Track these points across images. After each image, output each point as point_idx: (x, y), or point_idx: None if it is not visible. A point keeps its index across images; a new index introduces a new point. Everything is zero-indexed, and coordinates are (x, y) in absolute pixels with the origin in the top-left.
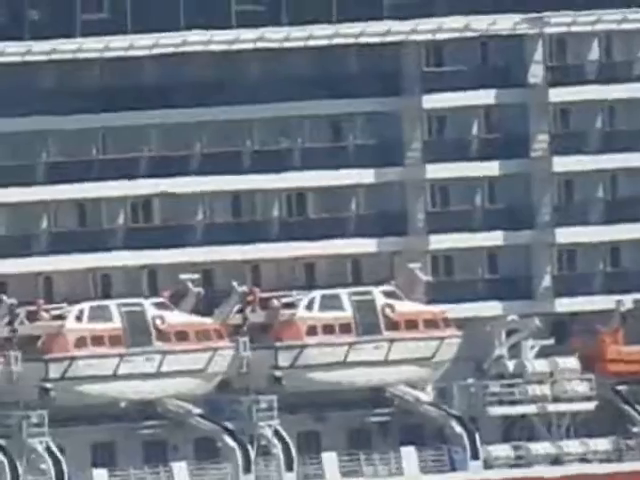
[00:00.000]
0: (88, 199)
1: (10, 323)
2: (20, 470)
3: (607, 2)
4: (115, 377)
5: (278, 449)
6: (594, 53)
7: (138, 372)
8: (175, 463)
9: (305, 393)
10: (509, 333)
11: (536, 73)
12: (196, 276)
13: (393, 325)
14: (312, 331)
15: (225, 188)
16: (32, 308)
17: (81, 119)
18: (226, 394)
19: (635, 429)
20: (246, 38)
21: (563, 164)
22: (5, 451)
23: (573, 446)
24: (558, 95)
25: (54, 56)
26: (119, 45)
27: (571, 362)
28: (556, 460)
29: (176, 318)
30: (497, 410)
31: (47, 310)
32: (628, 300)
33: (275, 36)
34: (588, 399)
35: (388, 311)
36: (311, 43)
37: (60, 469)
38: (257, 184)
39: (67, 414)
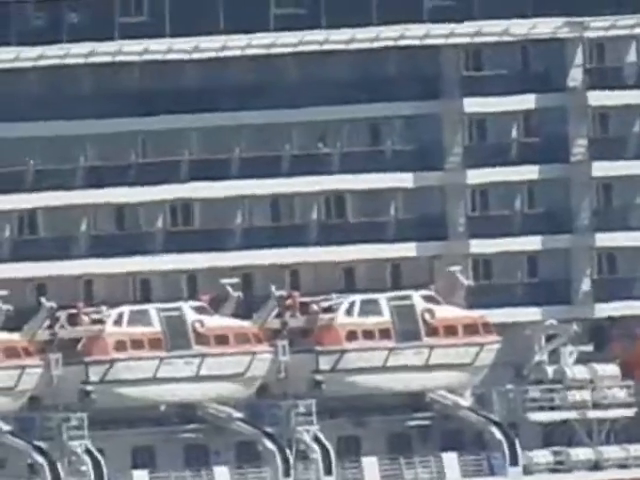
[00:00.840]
0: (127, 203)
1: (50, 326)
2: (61, 472)
3: None
4: (154, 380)
5: (317, 453)
6: (633, 56)
7: (177, 375)
8: (217, 467)
9: (345, 398)
10: (549, 338)
11: (575, 77)
12: (235, 280)
13: (433, 330)
14: (352, 336)
15: (264, 192)
16: (72, 311)
17: (120, 123)
18: (265, 398)
19: None
20: (285, 42)
21: (602, 168)
22: (45, 453)
23: (613, 452)
24: (597, 99)
25: (93, 59)
26: (158, 48)
27: (611, 368)
28: (596, 466)
29: (215, 322)
30: (537, 416)
31: (87, 313)
32: None
33: (314, 39)
34: (628, 406)
35: (427, 316)
36: (350, 46)
37: (100, 471)
38: (296, 188)
39: (107, 417)
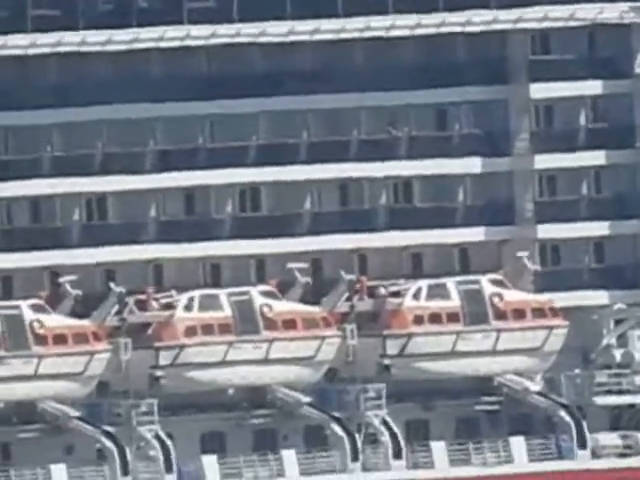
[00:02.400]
0: (196, 187)
1: (119, 311)
2: (129, 457)
3: None
4: (223, 364)
5: (386, 437)
6: None
7: (246, 359)
8: (285, 451)
9: (414, 382)
10: (617, 323)
11: None
12: (304, 265)
13: (501, 314)
14: (419, 320)
15: (332, 176)
16: (141, 296)
17: (188, 106)
18: (334, 383)
19: None
20: (353, 27)
21: None
22: (114, 438)
23: None
24: None
25: (161, 43)
26: (226, 32)
27: None
28: None
29: (283, 306)
30: (604, 400)
31: (156, 298)
32: None
33: (381, 25)
34: None
35: (496, 300)
36: (418, 32)
37: (169, 457)
38: (364, 173)
39: (176, 402)
